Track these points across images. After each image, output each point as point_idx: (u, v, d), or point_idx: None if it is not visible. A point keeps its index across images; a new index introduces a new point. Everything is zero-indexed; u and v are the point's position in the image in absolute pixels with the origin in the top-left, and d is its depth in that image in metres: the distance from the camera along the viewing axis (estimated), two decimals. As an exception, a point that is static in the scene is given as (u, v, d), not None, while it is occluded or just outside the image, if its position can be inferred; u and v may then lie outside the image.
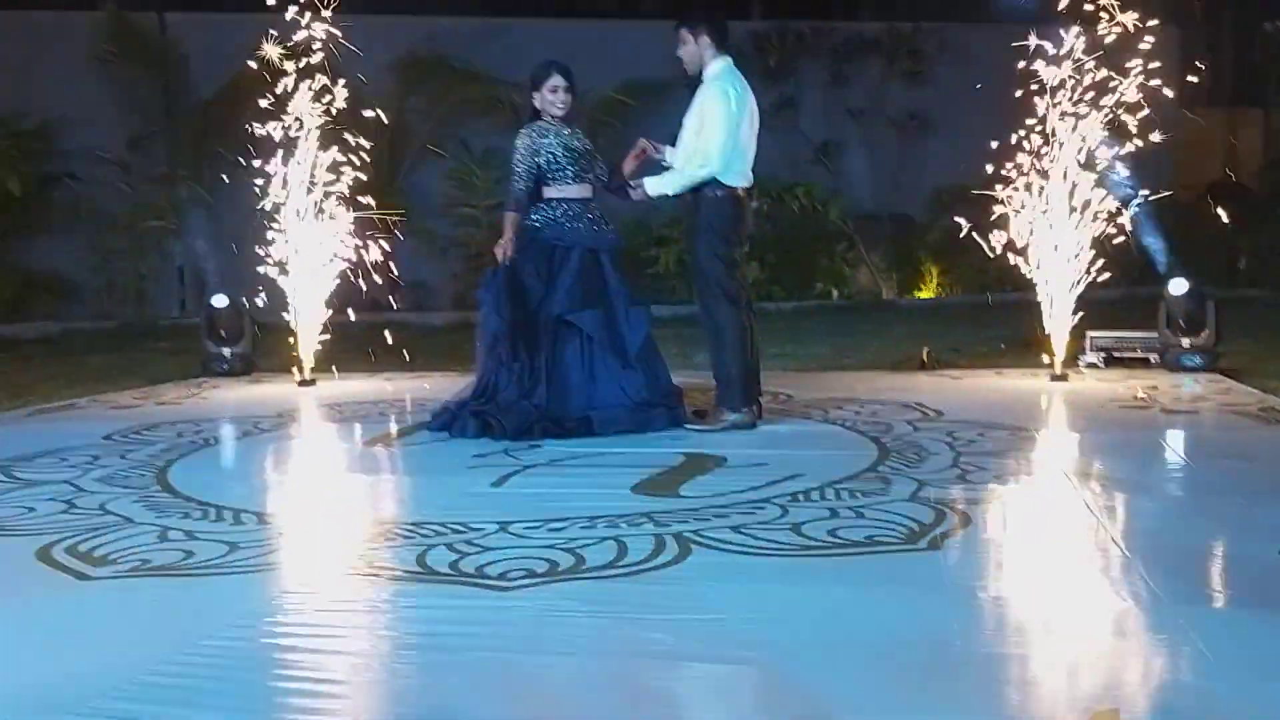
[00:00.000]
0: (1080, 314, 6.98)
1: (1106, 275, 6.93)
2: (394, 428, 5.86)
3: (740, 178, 5.36)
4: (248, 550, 3.54)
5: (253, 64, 7.09)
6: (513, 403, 5.34)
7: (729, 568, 3.27)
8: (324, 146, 7.35)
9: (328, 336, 7.69)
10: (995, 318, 9.84)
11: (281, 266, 7.45)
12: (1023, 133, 6.82)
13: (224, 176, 8.88)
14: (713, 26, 5.37)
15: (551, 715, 2.35)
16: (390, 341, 7.87)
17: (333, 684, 2.51)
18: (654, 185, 5.42)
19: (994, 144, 6.84)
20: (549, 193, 5.53)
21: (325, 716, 2.32)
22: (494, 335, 5.43)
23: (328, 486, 4.85)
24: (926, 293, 12.88)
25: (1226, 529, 3.61)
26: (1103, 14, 6.61)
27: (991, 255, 6.99)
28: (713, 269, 5.35)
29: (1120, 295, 11.24)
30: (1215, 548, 3.49)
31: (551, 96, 5.53)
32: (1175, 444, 5.11)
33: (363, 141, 7.39)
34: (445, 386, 6.86)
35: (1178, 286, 7.17)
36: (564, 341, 5.42)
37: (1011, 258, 7.01)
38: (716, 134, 5.22)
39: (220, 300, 7.98)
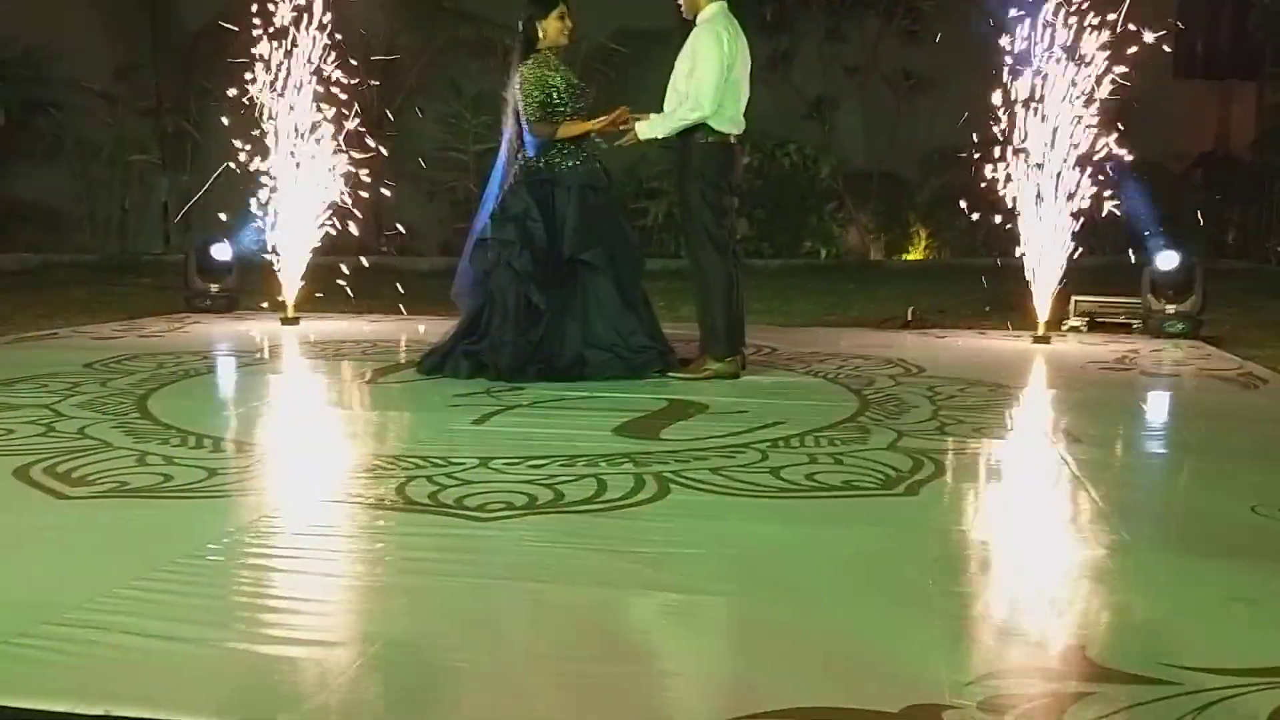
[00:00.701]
0: (1064, 279, 7.00)
1: (1090, 246, 6.94)
2: (377, 365, 5.84)
3: (731, 124, 5.33)
4: (226, 476, 3.55)
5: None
6: (507, 341, 5.30)
7: (707, 506, 3.29)
8: (311, 84, 7.26)
9: (311, 275, 7.64)
10: (983, 280, 9.84)
11: (266, 205, 7.38)
12: (1013, 96, 6.79)
13: (217, 105, 8.76)
14: None
15: (524, 641, 2.37)
16: (360, 273, 7.77)
17: (306, 601, 2.52)
18: (645, 129, 5.37)
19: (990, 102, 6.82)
20: None
21: (299, 632, 2.34)
22: (526, 277, 5.27)
23: (309, 419, 4.84)
24: (915, 255, 12.88)
25: (1201, 485, 3.65)
26: None
27: (972, 219, 6.99)
28: (701, 215, 5.33)
29: (1106, 261, 11.30)
30: (1189, 502, 3.53)
31: (559, 24, 5.41)
32: (1154, 405, 5.15)
33: (346, 79, 7.30)
34: (429, 327, 6.86)
35: (1166, 260, 7.19)
36: (566, 279, 5.37)
37: (997, 219, 7.03)
38: (708, 76, 5.18)
39: (210, 243, 7.91)
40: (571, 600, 2.53)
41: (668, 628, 2.46)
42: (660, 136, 5.36)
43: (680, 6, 5.38)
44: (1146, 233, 8.27)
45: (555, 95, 5.38)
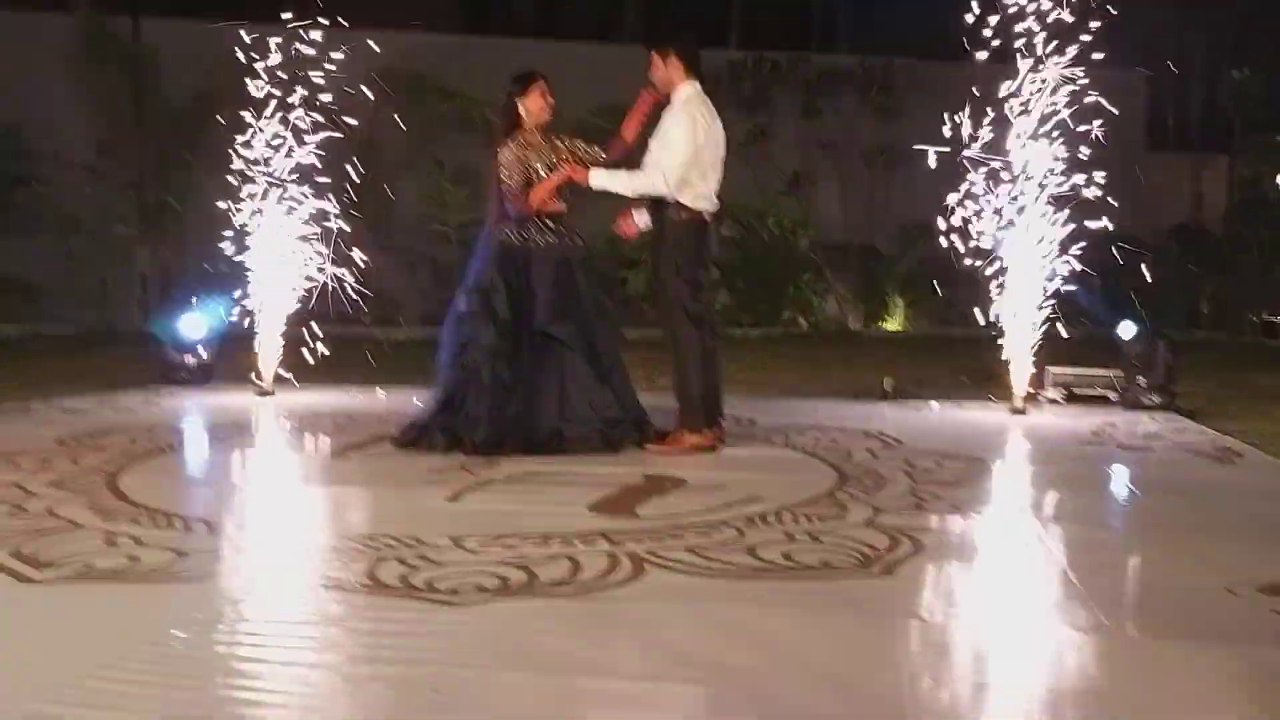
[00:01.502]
0: (1040, 350, 7.05)
1: (1066, 317, 7.02)
2: (351, 440, 5.81)
3: (705, 201, 5.39)
4: (195, 558, 3.49)
5: (225, 75, 7.08)
6: (482, 416, 5.29)
7: (681, 588, 3.25)
8: (294, 157, 7.32)
9: (288, 347, 7.63)
10: (959, 351, 9.91)
11: (245, 276, 7.40)
12: (985, 170, 6.90)
13: (198, 179, 8.81)
14: (682, 50, 5.42)
15: (494, 730, 2.33)
16: (338, 344, 7.79)
17: (273, 693, 2.47)
18: (599, 177, 5.39)
19: (961, 183, 6.92)
20: None
21: (263, 726, 2.29)
22: (488, 351, 5.30)
23: (280, 497, 4.79)
24: (893, 325, 12.97)
25: (1176, 564, 3.64)
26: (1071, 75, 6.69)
27: (941, 294, 7.06)
28: (677, 290, 5.37)
29: (1083, 333, 11.40)
30: (1165, 582, 3.51)
31: (541, 101, 5.48)
32: (1129, 480, 5.15)
33: (331, 154, 7.37)
34: (405, 400, 6.83)
35: (1126, 330, 7.29)
36: (539, 353, 5.38)
37: (973, 292, 7.10)
38: (676, 156, 5.26)
39: (187, 315, 7.90)
40: (539, 689, 2.49)
41: (637, 717, 2.42)
42: (613, 190, 5.38)
43: (655, 87, 5.46)
44: (1118, 309, 8.36)
45: (536, 176, 5.44)
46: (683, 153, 5.26)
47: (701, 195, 5.37)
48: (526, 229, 5.46)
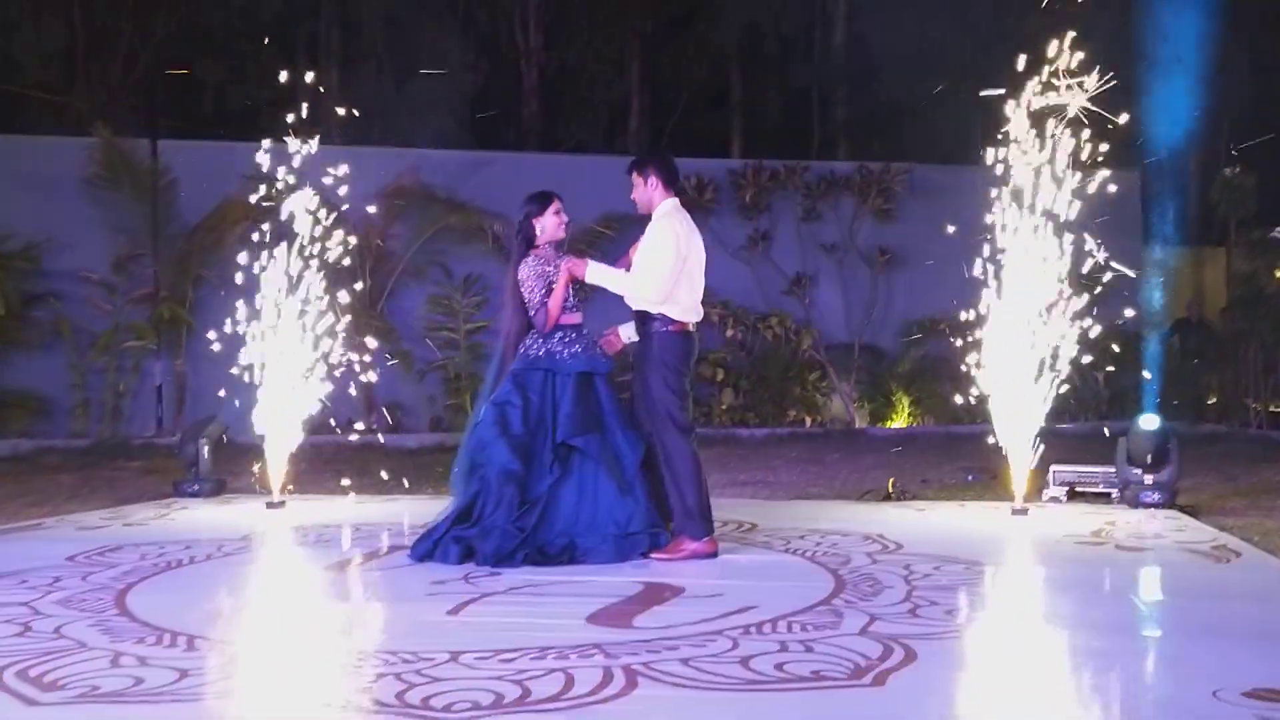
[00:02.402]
0: (1041, 449, 7.11)
1: (1069, 413, 7.10)
2: (357, 553, 5.88)
3: (690, 313, 5.55)
4: (197, 678, 3.56)
5: (239, 192, 7.35)
6: (496, 527, 5.33)
7: (672, 702, 3.30)
8: (305, 270, 7.54)
9: (300, 457, 7.75)
10: (965, 449, 9.97)
11: (256, 389, 7.56)
12: (983, 271, 7.07)
13: (212, 293, 9.01)
14: (662, 168, 5.61)
15: None
16: (348, 453, 7.93)
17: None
18: (596, 271, 5.57)
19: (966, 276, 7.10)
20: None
21: None
22: (507, 473, 5.36)
23: (283, 613, 4.85)
24: (898, 422, 13.05)
25: (1166, 670, 3.67)
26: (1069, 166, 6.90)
27: (954, 385, 7.15)
28: (665, 401, 5.47)
29: (1085, 429, 11.45)
30: (1155, 690, 3.54)
31: (556, 220, 5.66)
32: (1125, 582, 5.17)
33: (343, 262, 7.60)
34: (416, 509, 6.93)
35: (1148, 423, 7.26)
36: (562, 464, 5.44)
37: (975, 392, 7.21)
38: (660, 269, 5.43)
39: (198, 428, 8.06)
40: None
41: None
42: (606, 286, 5.55)
43: (638, 205, 5.67)
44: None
45: (553, 290, 5.56)
46: (669, 265, 5.43)
47: (688, 308, 5.53)
48: (550, 343, 5.57)
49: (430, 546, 5.46)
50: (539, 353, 5.56)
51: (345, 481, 7.97)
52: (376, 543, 6.13)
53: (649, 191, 5.59)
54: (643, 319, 5.53)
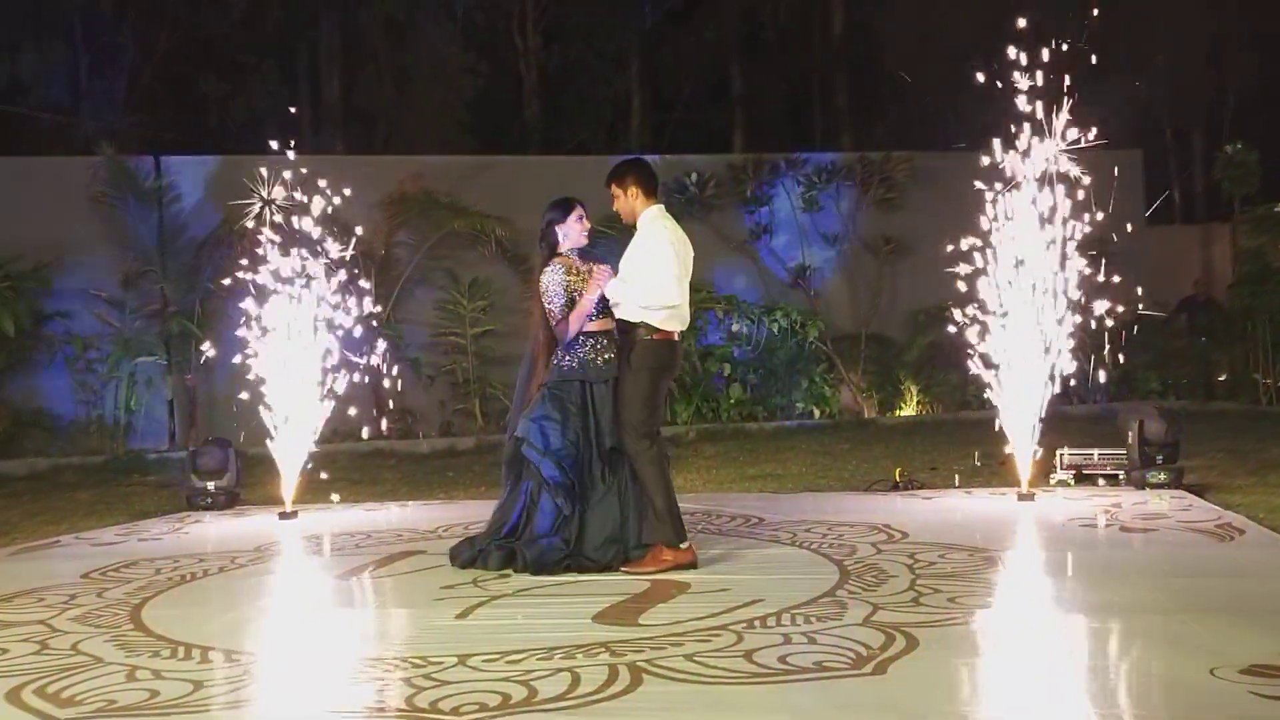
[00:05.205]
0: (1045, 433, 7.13)
1: (1077, 395, 7.11)
2: (368, 560, 5.95)
3: (676, 321, 5.44)
4: (211, 689, 3.63)
5: (244, 205, 7.43)
6: (541, 536, 5.33)
7: (677, 697, 3.36)
8: (311, 279, 7.62)
9: (311, 466, 7.82)
10: (974, 435, 9.97)
11: (265, 400, 7.64)
12: (986, 257, 7.10)
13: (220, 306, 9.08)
14: (640, 176, 5.51)
15: None
16: (360, 459, 8.01)
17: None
18: (615, 288, 5.42)
19: (962, 267, 7.12)
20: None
21: None
22: (550, 484, 5.33)
23: (296, 622, 4.92)
24: (907, 411, 13.06)
25: (1165, 649, 3.70)
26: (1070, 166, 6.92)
27: (964, 371, 7.16)
28: (633, 411, 5.34)
29: (1093, 411, 11.46)
30: (1156, 669, 3.57)
31: (579, 226, 5.60)
32: (1128, 563, 5.19)
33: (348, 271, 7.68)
34: (429, 515, 7.00)
35: (1146, 411, 7.30)
36: (609, 470, 5.41)
37: (981, 377, 7.25)
38: (664, 275, 5.33)
39: (209, 441, 8.16)
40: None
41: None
42: (621, 302, 5.39)
43: (621, 217, 5.62)
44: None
45: (578, 298, 5.47)
46: (672, 266, 5.37)
47: (675, 316, 5.42)
48: (581, 351, 5.50)
49: (472, 556, 5.47)
50: (573, 364, 5.47)
51: (335, 497, 8.01)
52: (386, 550, 6.19)
53: (630, 202, 5.49)
54: (627, 326, 5.42)
